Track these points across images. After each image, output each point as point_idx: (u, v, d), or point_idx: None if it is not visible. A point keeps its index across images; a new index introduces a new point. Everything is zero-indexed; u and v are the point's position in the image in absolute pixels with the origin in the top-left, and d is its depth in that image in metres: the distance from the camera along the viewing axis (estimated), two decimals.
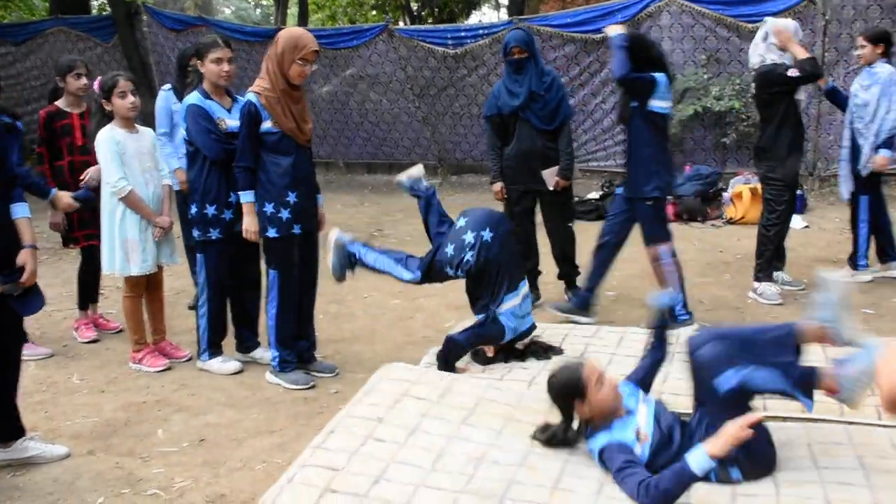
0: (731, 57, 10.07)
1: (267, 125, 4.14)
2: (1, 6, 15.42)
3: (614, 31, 4.81)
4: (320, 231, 4.55)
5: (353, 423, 2.93)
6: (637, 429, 2.79)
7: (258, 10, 32.99)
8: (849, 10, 9.29)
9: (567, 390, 2.85)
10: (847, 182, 5.87)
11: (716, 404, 2.71)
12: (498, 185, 5.49)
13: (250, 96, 4.15)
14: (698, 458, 2.45)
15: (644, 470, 2.60)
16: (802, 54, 5.12)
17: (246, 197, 4.23)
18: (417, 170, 4.64)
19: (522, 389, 3.38)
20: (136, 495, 3.23)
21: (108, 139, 4.44)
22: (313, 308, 4.64)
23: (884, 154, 5.61)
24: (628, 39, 4.71)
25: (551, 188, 5.32)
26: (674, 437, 2.79)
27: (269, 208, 4.22)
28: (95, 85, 4.66)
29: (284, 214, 4.22)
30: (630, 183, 4.95)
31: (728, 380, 2.68)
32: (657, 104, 4.78)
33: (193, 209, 4.49)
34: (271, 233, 4.25)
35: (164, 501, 3.19)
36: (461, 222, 4.22)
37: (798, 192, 7.08)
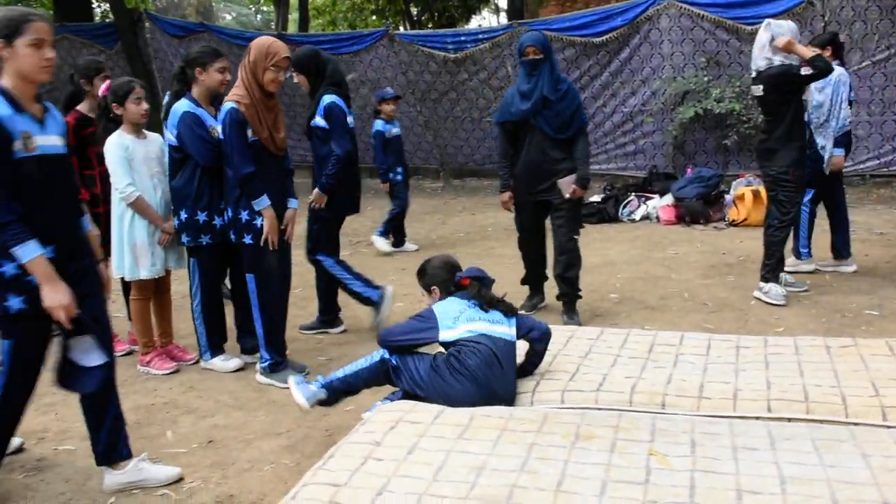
0: (731, 59, 10.13)
1: (248, 133, 4.24)
2: None
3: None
4: (289, 234, 4.56)
5: (351, 449, 2.98)
6: None
7: (259, 16, 33.07)
8: (848, 11, 9.35)
9: None
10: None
11: None
12: (506, 196, 5.35)
13: (231, 105, 4.22)
14: None
15: None
16: (809, 53, 5.18)
17: (263, 202, 4.29)
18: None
19: (513, 406, 3.43)
20: (147, 495, 3.26)
21: (116, 144, 4.48)
22: (286, 309, 4.74)
23: (837, 154, 5.95)
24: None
25: (567, 196, 5.11)
26: None
27: (244, 216, 4.32)
28: (102, 89, 4.70)
29: (259, 221, 4.32)
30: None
31: None
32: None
33: (183, 215, 4.56)
34: (247, 239, 4.34)
35: (174, 502, 3.22)
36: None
37: None
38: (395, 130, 7.85)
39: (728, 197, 8.88)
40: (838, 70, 5.81)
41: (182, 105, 4.54)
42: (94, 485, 3.36)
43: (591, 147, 11.17)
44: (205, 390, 4.44)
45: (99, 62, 5.18)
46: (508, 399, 3.43)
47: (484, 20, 25.96)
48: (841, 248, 6.26)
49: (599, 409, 3.38)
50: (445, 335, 3.47)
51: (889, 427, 3.11)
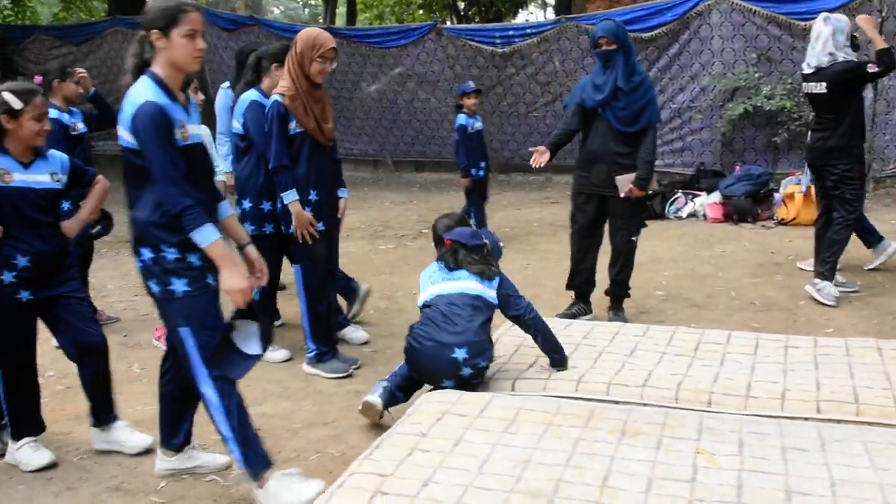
0: (783, 55, 9.94)
1: (292, 125, 4.27)
2: (62, 8, 15.87)
3: None
4: (341, 226, 4.64)
5: (398, 439, 3.01)
6: None
7: (307, 10, 33.35)
8: None
9: None
10: (808, 175, 6.45)
11: None
12: (540, 147, 5.08)
13: (276, 97, 4.27)
14: None
15: None
16: (882, 44, 5.10)
17: (290, 196, 4.30)
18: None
19: (560, 400, 3.42)
20: (196, 480, 3.32)
21: None
22: (335, 299, 4.82)
23: None
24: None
25: (622, 195, 4.89)
26: None
27: None
28: None
29: (307, 211, 4.35)
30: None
31: None
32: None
33: (247, 204, 4.63)
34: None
35: (221, 487, 3.28)
36: None
37: None
38: (478, 125, 7.69)
39: (777, 195, 8.74)
40: None
41: (251, 94, 4.65)
42: (146, 469, 3.44)
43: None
44: (252, 379, 4.47)
45: None
46: (469, 343, 3.54)
47: (531, 15, 25.87)
48: (868, 237, 6.10)
49: (645, 404, 3.38)
50: (420, 299, 3.81)
51: None
